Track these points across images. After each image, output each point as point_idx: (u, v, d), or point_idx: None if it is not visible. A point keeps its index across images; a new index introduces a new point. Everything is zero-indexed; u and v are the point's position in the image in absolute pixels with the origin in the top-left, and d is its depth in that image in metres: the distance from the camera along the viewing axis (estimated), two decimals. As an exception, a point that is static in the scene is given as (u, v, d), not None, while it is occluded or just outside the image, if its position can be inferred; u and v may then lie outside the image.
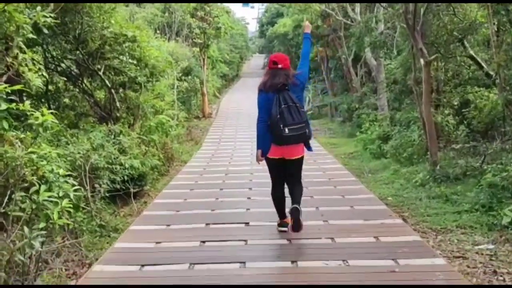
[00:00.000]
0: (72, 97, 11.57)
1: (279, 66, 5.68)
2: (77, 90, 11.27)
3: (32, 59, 6.43)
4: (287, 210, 5.90)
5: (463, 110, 11.68)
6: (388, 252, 5.19)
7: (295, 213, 5.55)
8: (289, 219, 5.82)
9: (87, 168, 8.14)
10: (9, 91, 5.26)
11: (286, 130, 5.39)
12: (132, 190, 9.32)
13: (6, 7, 5.91)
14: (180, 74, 18.42)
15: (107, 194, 8.66)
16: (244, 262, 5.01)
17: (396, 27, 13.96)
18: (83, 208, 7.82)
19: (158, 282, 4.61)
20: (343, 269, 4.80)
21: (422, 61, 9.61)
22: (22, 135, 5.34)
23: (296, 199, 5.71)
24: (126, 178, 9.23)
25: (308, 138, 5.68)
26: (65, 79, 11.23)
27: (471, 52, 10.81)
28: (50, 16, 7.62)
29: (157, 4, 20.89)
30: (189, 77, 19.74)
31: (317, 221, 6.48)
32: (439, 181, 9.00)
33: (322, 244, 5.61)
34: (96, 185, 8.33)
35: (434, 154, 9.57)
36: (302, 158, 5.85)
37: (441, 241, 6.10)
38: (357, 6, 17.44)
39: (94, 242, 7.11)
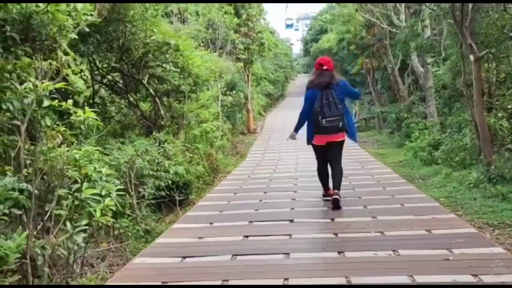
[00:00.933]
0: (118, 109, 11.78)
1: (325, 67, 6.77)
2: (123, 102, 11.45)
3: (74, 59, 6.48)
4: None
5: (517, 112, 11.18)
6: (441, 243, 4.88)
7: (336, 202, 6.59)
8: (331, 191, 6.87)
9: (132, 174, 8.17)
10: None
11: (324, 121, 6.53)
12: (177, 198, 9.30)
13: (49, 8, 6.02)
14: (225, 89, 18.50)
15: (152, 201, 8.68)
16: (288, 254, 4.81)
17: (443, 32, 13.59)
18: (129, 215, 7.85)
19: (199, 272, 4.45)
20: (393, 258, 4.53)
21: (471, 57, 9.24)
22: (63, 128, 5.35)
23: (336, 183, 6.78)
24: (171, 185, 9.25)
25: (342, 130, 6.70)
26: (111, 91, 11.45)
27: (525, 52, 10.38)
28: (93, 22, 7.78)
29: (200, 21, 21.15)
30: (234, 91, 19.79)
31: (365, 218, 6.21)
32: (494, 181, 8.54)
33: (370, 237, 5.33)
34: (141, 190, 8.35)
35: (488, 154, 9.13)
36: (343, 141, 6.92)
37: (499, 234, 5.73)
38: (402, 14, 17.14)
39: (139, 247, 7.06)
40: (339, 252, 4.77)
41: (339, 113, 6.53)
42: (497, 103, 11.71)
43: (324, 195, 7.29)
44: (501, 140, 10.77)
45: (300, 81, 57.39)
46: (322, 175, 7.22)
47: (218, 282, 4.12)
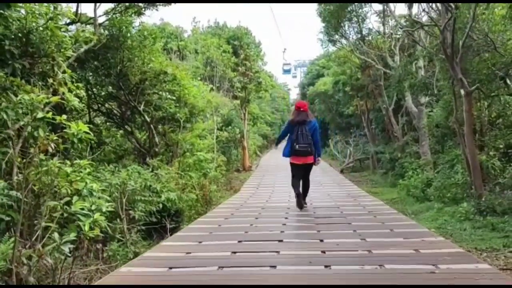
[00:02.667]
0: (113, 138, 11.89)
1: (301, 109, 9.29)
2: (119, 129, 11.57)
3: (71, 76, 6.60)
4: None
5: (509, 151, 11.28)
6: (428, 260, 4.87)
7: (302, 205, 9.31)
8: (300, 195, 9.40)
9: (123, 199, 8.18)
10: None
11: (297, 146, 9.03)
12: (168, 225, 9.27)
13: (48, 24, 6.19)
14: (221, 124, 18.65)
15: (143, 227, 8.66)
16: (274, 266, 4.80)
17: (436, 72, 13.84)
18: (119, 240, 7.84)
19: (185, 279, 4.44)
20: (379, 271, 4.53)
21: (462, 91, 9.41)
22: (55, 137, 5.39)
23: (305, 193, 9.64)
24: (162, 212, 9.25)
25: (310, 154, 9.14)
26: (107, 119, 11.57)
27: (515, 91, 10.54)
28: (92, 48, 7.96)
29: (199, 58, 21.51)
30: (230, 127, 19.94)
31: (354, 239, 6.20)
32: (485, 213, 8.60)
33: (358, 254, 5.34)
34: (131, 212, 8.34)
35: (479, 186, 9.20)
36: (312, 164, 9.40)
37: (486, 257, 5.78)
38: (397, 55, 17.51)
39: (128, 270, 7.00)
40: (326, 266, 4.77)
41: (308, 142, 9.01)
42: (488, 141, 11.83)
43: (297, 204, 9.35)
44: (493, 179, 10.83)
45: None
46: (295, 185, 9.47)
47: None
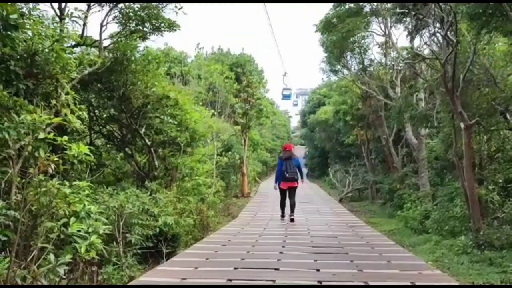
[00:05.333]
0: (112, 159, 11.90)
1: (287, 149, 13.06)
2: (119, 152, 11.59)
3: (74, 98, 6.63)
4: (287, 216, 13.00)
5: (508, 185, 11.26)
6: (424, 293, 4.85)
7: (291, 218, 12.61)
8: (286, 216, 13.12)
9: (121, 223, 8.16)
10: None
11: (287, 174, 12.41)
12: (164, 250, 9.21)
13: (54, 46, 6.26)
14: (221, 149, 18.67)
15: (139, 251, 8.60)
16: (270, 295, 4.78)
17: (436, 105, 13.92)
18: (114, 263, 7.79)
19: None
20: (375, 303, 4.50)
21: (462, 125, 9.45)
22: (56, 158, 5.40)
23: (292, 209, 12.71)
24: (159, 236, 9.19)
25: (296, 180, 12.52)
26: (108, 141, 11.60)
27: (515, 126, 10.57)
28: (96, 71, 8.03)
29: (202, 84, 21.68)
30: (230, 153, 19.97)
31: (351, 270, 6.19)
32: (483, 247, 8.55)
33: (354, 285, 5.32)
34: (128, 235, 8.30)
35: (477, 220, 9.17)
36: (296, 187, 12.73)
37: (484, 292, 5.69)
38: (398, 87, 17.62)
39: (122, 293, 6.98)
40: (322, 296, 4.75)
41: (294, 171, 12.49)
42: (488, 175, 11.82)
43: (281, 216, 13.40)
44: (492, 214, 10.80)
45: (297, 152, 57.57)
46: (282, 205, 13.20)
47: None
